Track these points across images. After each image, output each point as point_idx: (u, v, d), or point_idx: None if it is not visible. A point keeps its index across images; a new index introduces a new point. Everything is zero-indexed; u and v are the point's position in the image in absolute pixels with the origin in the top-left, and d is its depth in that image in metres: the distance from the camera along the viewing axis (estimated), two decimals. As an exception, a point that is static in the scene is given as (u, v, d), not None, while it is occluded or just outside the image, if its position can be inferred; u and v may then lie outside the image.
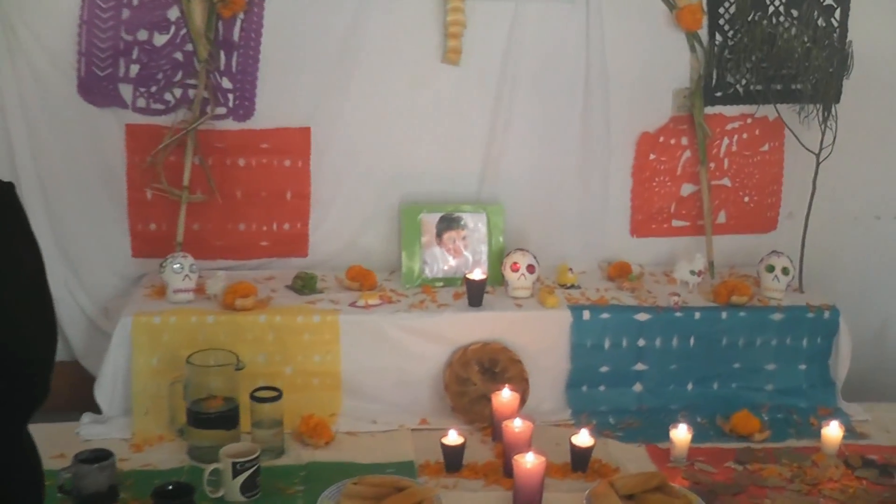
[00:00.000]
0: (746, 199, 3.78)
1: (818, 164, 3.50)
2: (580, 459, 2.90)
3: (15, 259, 1.72)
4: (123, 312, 3.16)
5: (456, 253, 3.52)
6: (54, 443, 2.82)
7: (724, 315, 3.36)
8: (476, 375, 3.21)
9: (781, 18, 3.55)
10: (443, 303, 3.34)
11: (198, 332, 3.12)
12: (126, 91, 3.36)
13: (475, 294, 3.30)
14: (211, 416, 2.89)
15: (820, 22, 3.55)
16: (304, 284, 3.37)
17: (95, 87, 3.33)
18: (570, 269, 3.55)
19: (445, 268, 3.51)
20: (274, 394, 2.96)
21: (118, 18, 3.29)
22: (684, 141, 3.69)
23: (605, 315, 3.31)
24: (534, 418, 2.97)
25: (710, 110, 3.64)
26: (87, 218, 3.45)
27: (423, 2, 3.44)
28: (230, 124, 3.44)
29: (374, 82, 3.47)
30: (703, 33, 3.57)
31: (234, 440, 2.86)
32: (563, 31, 3.52)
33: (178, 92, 3.38)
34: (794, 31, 3.49)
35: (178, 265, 3.22)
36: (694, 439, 3.01)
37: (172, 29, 3.33)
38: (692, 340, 3.35)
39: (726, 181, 3.76)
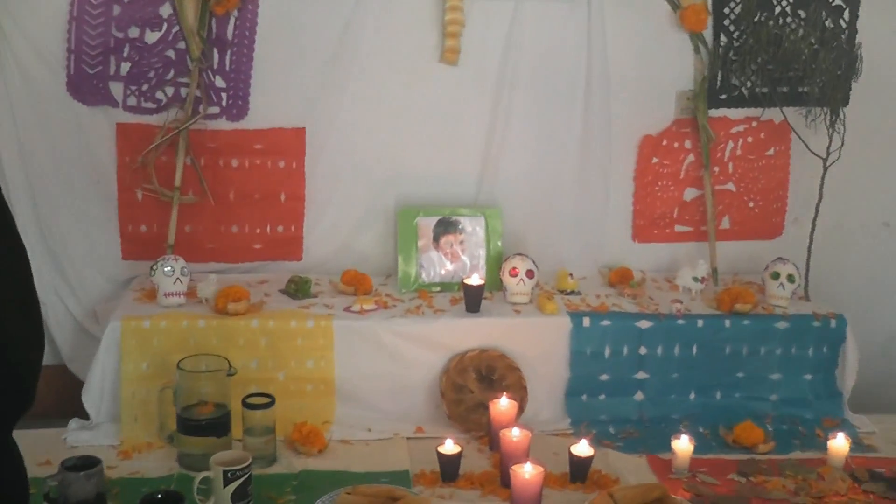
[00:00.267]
0: (751, 204, 3.78)
1: (825, 168, 3.49)
2: (579, 470, 2.88)
3: None
4: (112, 316, 3.14)
5: (453, 257, 3.51)
6: (40, 449, 2.83)
7: (727, 323, 3.34)
8: (473, 383, 3.19)
9: (788, 19, 3.55)
10: (439, 308, 3.32)
11: (188, 336, 3.10)
12: (117, 89, 3.35)
13: (472, 300, 3.29)
14: (201, 423, 2.88)
15: (828, 23, 3.55)
16: (298, 288, 3.35)
17: (85, 85, 3.32)
18: (570, 275, 3.54)
19: (442, 272, 3.50)
20: (266, 400, 2.95)
21: (109, 15, 3.28)
22: (688, 144, 3.69)
23: (605, 322, 3.30)
24: (532, 427, 2.96)
25: (714, 113, 3.64)
26: (75, 219, 3.44)
27: (420, 0, 3.43)
28: (223, 124, 3.44)
29: (371, 82, 3.47)
30: (708, 34, 3.57)
31: (224, 448, 2.83)
32: (564, 30, 3.52)
33: (169, 90, 3.37)
34: (801, 32, 3.49)
35: (168, 268, 3.21)
36: (696, 450, 2.99)
37: (164, 26, 3.32)
38: (695, 349, 3.34)
39: (731, 186, 3.75)
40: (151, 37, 3.32)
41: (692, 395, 3.36)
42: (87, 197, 3.42)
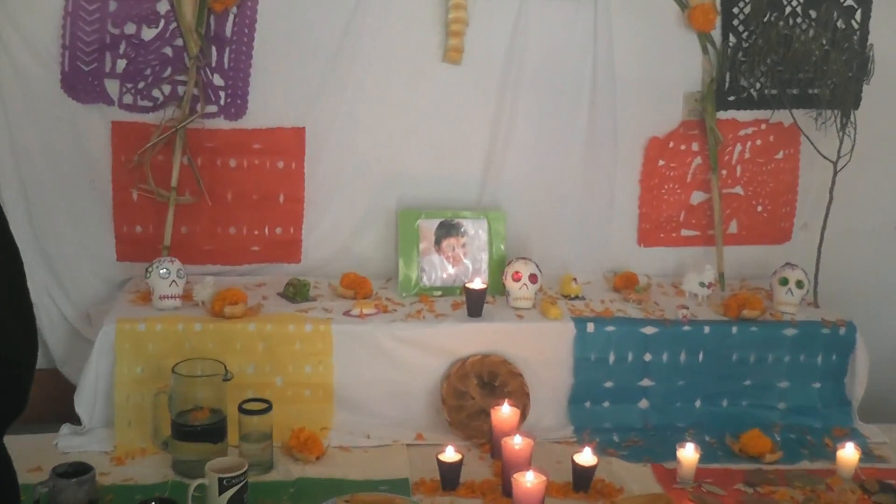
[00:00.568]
0: (759, 208, 3.76)
1: (835, 172, 3.48)
2: (582, 479, 2.87)
3: None
4: (106, 319, 3.14)
5: (455, 261, 3.50)
6: (31, 455, 2.81)
7: (734, 330, 3.34)
8: (475, 389, 3.18)
9: (798, 20, 3.54)
10: (441, 313, 3.31)
11: (184, 340, 3.10)
12: (112, 87, 3.34)
13: (475, 304, 3.27)
14: (197, 429, 2.87)
15: (839, 24, 3.54)
16: (297, 292, 3.34)
17: (80, 82, 3.31)
18: (574, 280, 3.53)
19: (444, 276, 3.49)
20: (263, 406, 2.94)
21: (105, 10, 3.28)
22: (695, 147, 3.68)
23: (610, 328, 3.29)
24: (534, 435, 2.95)
25: (722, 115, 3.63)
26: (69, 219, 3.44)
27: (423, -2, 3.46)
28: (221, 123, 3.43)
29: (373, 81, 3.46)
30: (716, 34, 3.56)
31: (220, 454, 2.83)
32: (570, 29, 3.51)
33: (166, 89, 3.36)
34: (811, 33, 3.49)
35: (164, 270, 3.20)
36: (702, 459, 2.98)
37: (161, 23, 3.31)
38: (701, 356, 3.33)
39: (739, 189, 3.74)
40: (148, 33, 3.31)
41: (698, 403, 3.35)
42: (81, 197, 3.42)
